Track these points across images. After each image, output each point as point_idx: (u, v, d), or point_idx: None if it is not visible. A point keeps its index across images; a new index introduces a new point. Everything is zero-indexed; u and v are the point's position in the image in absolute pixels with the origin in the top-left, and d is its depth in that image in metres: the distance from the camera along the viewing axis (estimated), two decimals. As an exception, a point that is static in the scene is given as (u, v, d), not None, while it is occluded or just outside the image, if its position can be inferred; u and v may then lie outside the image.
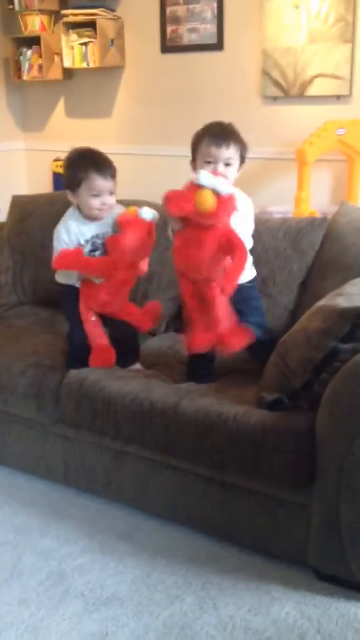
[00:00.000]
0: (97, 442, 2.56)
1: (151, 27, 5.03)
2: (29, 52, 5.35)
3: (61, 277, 2.72)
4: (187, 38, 4.93)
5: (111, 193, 2.60)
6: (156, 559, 2.36)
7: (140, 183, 4.67)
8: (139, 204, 3.15)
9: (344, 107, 4.44)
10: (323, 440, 2.08)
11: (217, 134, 2.47)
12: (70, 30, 5.14)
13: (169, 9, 4.93)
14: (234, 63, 4.78)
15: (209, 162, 2.47)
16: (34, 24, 5.28)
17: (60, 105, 5.66)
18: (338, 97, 4.46)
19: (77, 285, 2.65)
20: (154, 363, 2.74)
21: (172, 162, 4.83)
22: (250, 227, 2.56)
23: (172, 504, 2.48)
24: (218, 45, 4.82)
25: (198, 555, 2.37)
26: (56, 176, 5.62)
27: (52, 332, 3.02)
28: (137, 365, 2.73)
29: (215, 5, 4.74)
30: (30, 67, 5.38)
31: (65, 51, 5.19)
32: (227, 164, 2.46)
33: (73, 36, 5.14)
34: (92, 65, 5.11)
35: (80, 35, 5.11)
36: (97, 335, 2.65)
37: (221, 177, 2.33)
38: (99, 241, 2.63)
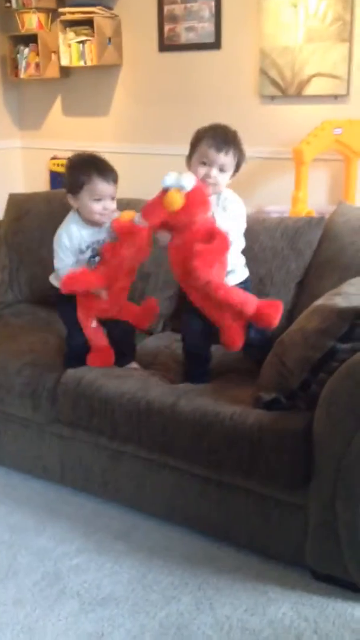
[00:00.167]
0: (94, 442, 2.55)
1: (149, 25, 5.02)
2: (26, 50, 5.33)
3: (57, 281, 2.70)
4: (185, 37, 4.91)
5: (113, 198, 2.59)
6: (153, 559, 2.35)
7: (138, 182, 4.65)
8: (134, 203, 3.16)
9: (341, 107, 4.43)
10: (320, 440, 2.07)
11: (219, 138, 2.45)
12: (68, 29, 5.12)
13: (166, 8, 4.91)
14: (232, 62, 4.77)
15: (204, 164, 2.46)
16: (31, 22, 5.26)
17: (58, 103, 5.64)
18: (335, 96, 4.45)
19: None
20: (151, 362, 2.74)
21: (169, 161, 4.78)
22: (242, 226, 2.54)
23: (169, 503, 2.47)
24: (216, 44, 4.81)
25: (195, 555, 2.37)
26: (53, 174, 5.61)
27: (48, 331, 3.01)
28: (134, 364, 2.72)
29: (213, 4, 4.73)
30: (27, 65, 5.36)
31: (63, 49, 5.17)
32: (221, 170, 2.46)
33: (70, 34, 5.12)
34: (89, 63, 5.10)
35: (77, 34, 5.09)
36: (98, 338, 2.65)
37: (185, 174, 2.32)
38: (98, 247, 2.62)
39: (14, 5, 5.26)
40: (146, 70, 5.15)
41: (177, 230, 2.39)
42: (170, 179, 2.30)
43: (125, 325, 2.70)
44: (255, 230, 2.84)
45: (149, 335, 2.99)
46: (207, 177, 2.45)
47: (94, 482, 2.62)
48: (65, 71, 5.40)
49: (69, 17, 5.08)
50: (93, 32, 4.98)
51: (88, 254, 2.62)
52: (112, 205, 2.59)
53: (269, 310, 2.43)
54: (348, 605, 2.13)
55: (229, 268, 2.51)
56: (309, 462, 2.10)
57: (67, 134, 5.62)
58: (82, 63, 5.14)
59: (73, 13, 5.05)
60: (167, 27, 4.96)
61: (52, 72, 5.35)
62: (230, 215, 2.46)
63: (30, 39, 5.29)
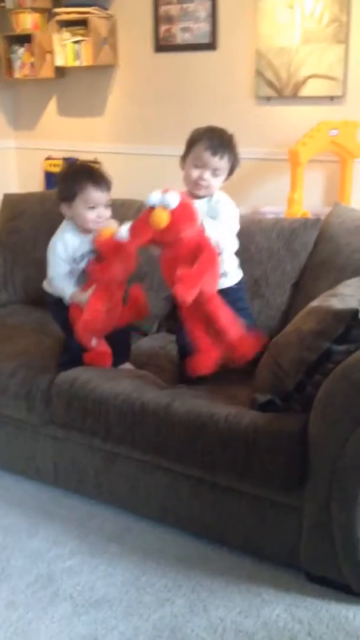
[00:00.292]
0: (88, 443, 2.54)
1: (144, 26, 5.00)
2: (21, 50, 5.31)
3: (50, 288, 2.70)
4: (181, 37, 4.90)
5: (107, 206, 2.59)
6: (146, 561, 2.34)
7: (132, 182, 4.65)
8: (128, 203, 3.16)
9: (337, 108, 4.43)
10: (315, 441, 2.06)
11: (215, 142, 2.45)
12: (63, 29, 5.10)
13: (162, 8, 4.90)
14: (228, 63, 4.76)
15: (198, 166, 2.46)
16: (26, 22, 5.24)
17: (52, 103, 5.63)
18: (331, 97, 4.44)
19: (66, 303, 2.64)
20: (145, 363, 2.73)
21: (164, 161, 4.80)
22: (234, 229, 2.53)
23: (163, 505, 2.46)
24: (211, 45, 4.79)
25: (188, 557, 2.35)
26: (48, 175, 5.59)
27: (43, 332, 3.00)
28: (128, 365, 2.71)
29: (208, 4, 4.72)
30: (22, 65, 5.34)
31: (58, 49, 5.15)
32: (215, 174, 2.45)
33: (65, 34, 5.10)
34: (84, 63, 5.08)
35: (72, 34, 5.08)
36: (99, 346, 2.65)
37: (170, 192, 2.29)
38: (92, 257, 2.62)
39: (8, 5, 5.25)
40: (142, 70, 5.13)
41: (165, 245, 2.39)
42: (154, 198, 2.28)
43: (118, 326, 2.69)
44: (251, 231, 2.84)
45: (143, 336, 2.98)
46: (200, 180, 2.45)
47: (87, 483, 2.61)
48: (60, 71, 5.38)
49: (64, 17, 5.06)
50: (88, 32, 4.96)
51: (83, 264, 2.62)
52: (107, 212, 2.59)
53: (244, 347, 2.42)
54: (342, 607, 2.12)
55: (221, 271, 2.51)
56: (304, 463, 2.09)
57: (62, 135, 5.60)
58: (77, 63, 5.12)
59: (68, 13, 5.04)
60: (162, 28, 4.95)
61: (47, 72, 5.33)
62: (222, 219, 2.46)
63: (25, 39, 5.27)
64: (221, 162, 2.44)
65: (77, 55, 5.09)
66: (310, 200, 4.40)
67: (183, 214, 2.29)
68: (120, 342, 2.71)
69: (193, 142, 2.50)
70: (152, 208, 2.28)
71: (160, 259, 2.45)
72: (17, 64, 5.35)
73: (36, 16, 5.23)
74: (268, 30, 4.52)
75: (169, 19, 4.90)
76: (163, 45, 4.99)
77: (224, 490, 2.30)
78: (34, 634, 2.05)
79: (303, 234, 2.83)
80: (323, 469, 2.05)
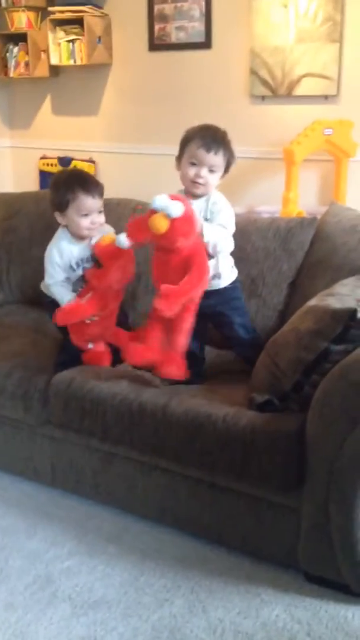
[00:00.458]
0: (85, 444, 2.54)
1: (139, 24, 5.00)
2: (16, 49, 5.30)
3: (48, 290, 2.70)
4: (175, 36, 4.90)
5: (100, 212, 2.59)
6: (145, 562, 2.34)
7: (127, 182, 4.66)
8: (124, 203, 3.16)
9: (331, 107, 4.43)
10: (313, 442, 2.06)
11: (209, 138, 2.45)
12: (57, 27, 5.09)
13: (156, 7, 4.89)
14: (222, 62, 4.76)
15: (194, 164, 2.45)
16: (21, 20, 5.22)
17: (47, 102, 5.61)
18: (326, 97, 4.45)
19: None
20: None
21: (159, 160, 4.80)
22: (231, 231, 2.53)
23: (161, 505, 2.46)
24: (206, 44, 4.79)
25: (187, 557, 2.35)
26: (42, 174, 5.58)
27: (39, 332, 2.99)
28: (125, 365, 2.70)
29: (203, 3, 4.72)
30: (17, 64, 5.32)
31: (52, 48, 5.14)
32: (211, 170, 2.45)
33: (60, 33, 5.09)
34: (79, 62, 5.07)
35: (67, 33, 5.07)
36: (97, 347, 2.65)
37: (176, 200, 2.29)
38: (89, 265, 2.62)
39: (3, 3, 5.24)
40: (136, 69, 5.13)
41: (160, 247, 2.39)
42: (159, 203, 2.27)
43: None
44: (247, 231, 2.84)
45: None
46: (197, 177, 2.45)
47: (85, 484, 2.61)
48: (55, 70, 5.37)
49: (58, 16, 5.05)
50: (83, 31, 4.95)
51: (79, 271, 2.62)
52: (100, 218, 2.60)
53: (174, 370, 2.46)
54: (341, 607, 2.13)
55: (214, 272, 2.54)
56: (302, 464, 2.10)
57: (56, 134, 5.59)
58: (71, 62, 5.11)
59: (63, 12, 5.03)
60: (157, 27, 4.94)
61: (42, 71, 5.32)
62: (220, 221, 2.47)
63: (19, 38, 5.25)
64: (216, 158, 2.44)
65: (71, 54, 5.08)
66: (305, 200, 4.40)
67: (183, 225, 2.30)
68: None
69: (187, 141, 2.50)
70: (154, 210, 2.28)
71: (152, 256, 2.46)
72: (11, 63, 5.34)
73: (30, 15, 5.22)
74: (262, 29, 4.51)
75: (164, 18, 4.89)
76: (157, 44, 4.98)
77: (222, 491, 2.30)
78: (33, 635, 2.04)
79: (299, 234, 2.83)
80: (321, 469, 2.05)
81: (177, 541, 2.43)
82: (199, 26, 4.79)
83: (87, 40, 4.96)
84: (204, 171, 2.44)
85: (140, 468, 2.45)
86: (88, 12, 4.94)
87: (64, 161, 5.41)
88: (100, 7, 5.05)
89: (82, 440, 2.53)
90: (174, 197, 2.31)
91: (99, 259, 2.54)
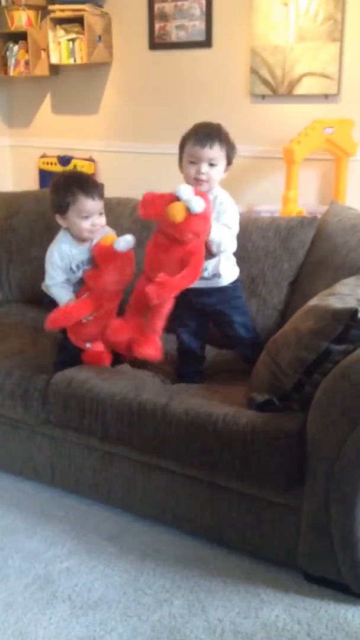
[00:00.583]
0: (85, 443, 2.53)
1: (139, 23, 4.99)
2: (16, 48, 5.29)
3: (48, 290, 2.70)
4: (175, 35, 4.89)
5: (100, 213, 2.58)
6: (144, 562, 2.33)
7: (127, 180, 4.65)
8: (124, 202, 3.15)
9: (332, 106, 4.43)
10: (314, 441, 2.06)
11: (202, 134, 2.46)
12: (58, 26, 5.08)
13: (157, 6, 4.89)
14: (223, 61, 4.75)
15: (193, 162, 2.46)
16: (21, 19, 5.22)
17: (47, 101, 5.61)
18: (326, 96, 4.44)
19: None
20: (142, 363, 2.71)
21: (159, 159, 4.80)
22: (235, 231, 2.54)
23: (161, 505, 2.45)
24: (206, 43, 4.78)
25: (186, 557, 2.35)
26: (42, 173, 5.57)
27: (39, 332, 2.98)
28: (124, 365, 2.70)
29: (203, 2, 4.71)
30: (17, 62, 5.32)
31: (52, 47, 5.13)
32: (211, 164, 2.45)
33: (60, 32, 5.09)
34: (79, 61, 5.07)
35: (67, 31, 5.06)
36: (95, 346, 2.65)
37: (199, 197, 2.31)
38: (89, 267, 2.62)
39: (3, 2, 5.24)
40: (136, 68, 5.12)
41: (164, 233, 2.40)
42: (185, 193, 2.30)
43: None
44: (248, 230, 2.83)
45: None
46: (198, 174, 2.45)
47: (84, 483, 2.60)
48: (55, 69, 5.36)
49: (58, 14, 5.04)
50: (83, 29, 4.95)
51: (80, 274, 2.61)
52: (101, 220, 2.59)
53: (145, 347, 2.50)
54: (341, 607, 2.12)
55: (215, 270, 2.54)
56: (302, 463, 2.09)
57: (56, 132, 5.58)
58: (71, 61, 5.11)
59: (63, 10, 5.02)
60: (157, 25, 4.94)
61: (42, 69, 5.31)
62: (227, 221, 2.48)
63: (19, 36, 5.25)
64: (212, 152, 2.44)
65: (71, 53, 5.08)
66: (305, 199, 4.40)
67: (198, 223, 2.32)
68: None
69: (183, 142, 2.53)
70: (176, 198, 2.30)
71: (152, 236, 2.48)
72: (11, 61, 5.33)
73: (31, 13, 5.21)
74: (263, 28, 4.51)
75: (164, 17, 4.89)
76: (158, 43, 4.98)
77: (222, 491, 2.30)
78: (32, 635, 2.04)
79: (300, 233, 2.82)
80: (321, 469, 2.04)
81: (177, 541, 2.42)
82: (199, 25, 4.79)
83: (87, 39, 4.95)
84: (204, 167, 2.44)
85: (140, 468, 2.45)
86: (88, 11, 4.93)
87: (64, 160, 5.40)
88: (100, 6, 5.04)
89: (82, 439, 2.53)
90: (198, 193, 2.32)
91: (95, 260, 2.54)
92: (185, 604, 2.15)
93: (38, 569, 2.31)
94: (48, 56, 5.21)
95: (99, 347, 2.63)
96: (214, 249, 2.45)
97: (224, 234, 2.44)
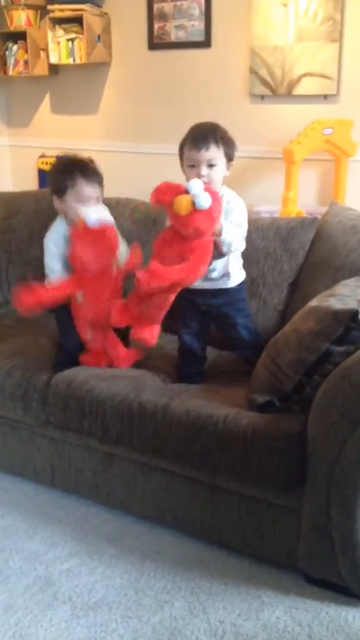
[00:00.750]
0: (85, 444, 2.53)
1: (138, 23, 4.98)
2: (15, 48, 5.28)
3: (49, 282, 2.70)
4: (175, 35, 4.89)
5: (98, 201, 2.58)
6: (145, 563, 2.33)
7: (126, 181, 4.64)
8: (123, 202, 3.15)
9: (331, 107, 4.42)
10: (314, 443, 2.06)
11: (196, 137, 2.48)
12: (57, 26, 5.07)
13: (156, 6, 4.88)
14: (222, 61, 4.75)
15: (193, 166, 2.47)
16: (20, 19, 5.21)
17: (46, 101, 5.60)
18: (325, 96, 4.44)
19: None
20: (143, 363, 2.71)
21: (158, 159, 4.79)
22: (245, 229, 2.55)
23: (161, 506, 2.45)
24: (205, 43, 4.78)
25: (187, 559, 2.35)
26: (41, 173, 5.56)
27: (39, 332, 2.98)
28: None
29: (202, 2, 4.70)
30: (16, 62, 5.31)
31: (52, 47, 5.12)
32: (210, 165, 2.45)
33: (59, 32, 5.08)
34: (78, 61, 5.06)
35: (66, 31, 5.05)
36: (94, 342, 2.64)
37: (207, 194, 2.31)
38: None
39: (2, 2, 5.23)
40: (135, 68, 5.11)
41: (174, 229, 2.41)
42: (193, 187, 2.30)
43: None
44: (248, 231, 2.81)
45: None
46: (199, 177, 2.45)
47: (84, 485, 2.60)
48: (54, 69, 5.36)
49: (58, 14, 5.03)
50: (82, 29, 4.94)
51: None
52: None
53: (143, 334, 2.51)
54: (342, 609, 2.12)
55: (224, 271, 2.55)
56: (303, 465, 2.09)
57: (55, 132, 5.58)
58: (71, 61, 5.10)
59: (62, 10, 5.01)
60: (156, 25, 4.93)
61: (41, 69, 5.30)
62: (237, 221, 2.50)
63: (19, 36, 5.24)
64: (209, 153, 2.45)
65: (70, 53, 5.07)
66: (304, 199, 4.40)
67: (202, 220, 2.33)
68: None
69: (181, 148, 2.55)
70: (187, 191, 2.31)
71: (163, 230, 2.50)
72: (11, 61, 5.32)
73: (30, 13, 5.21)
74: (262, 28, 4.50)
75: (163, 17, 4.88)
76: (157, 43, 4.97)
77: (223, 492, 2.29)
78: (33, 637, 2.03)
79: (300, 234, 2.82)
80: (322, 470, 2.04)
81: (178, 542, 2.42)
82: (198, 25, 4.78)
83: (87, 39, 4.94)
84: (204, 169, 2.45)
85: (140, 469, 2.45)
86: (87, 11, 4.93)
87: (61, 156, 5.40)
88: (99, 6, 5.04)
89: (82, 440, 2.53)
90: (208, 190, 2.33)
91: (71, 238, 2.55)
92: (186, 605, 2.15)
93: (38, 570, 2.31)
94: (47, 56, 5.20)
95: (97, 346, 2.62)
96: (225, 249, 2.46)
97: (235, 234, 2.46)
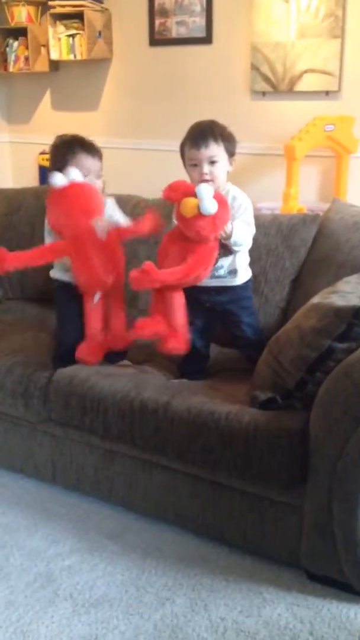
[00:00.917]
0: (86, 441, 2.53)
1: (139, 19, 4.97)
2: (15, 44, 5.27)
3: (56, 273, 2.69)
4: (176, 31, 4.87)
5: (98, 176, 2.58)
6: (146, 560, 2.33)
7: (127, 177, 4.63)
8: (124, 199, 3.14)
9: (332, 103, 4.41)
10: (316, 440, 2.05)
11: (195, 136, 2.48)
12: (57, 22, 5.07)
13: (157, 2, 4.87)
14: (223, 57, 4.74)
15: (195, 165, 2.47)
16: (21, 15, 5.20)
17: (47, 97, 5.59)
18: (327, 92, 4.43)
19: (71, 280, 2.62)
20: (144, 360, 2.71)
21: (159, 156, 4.80)
22: (253, 226, 2.55)
23: (162, 503, 2.45)
24: (207, 39, 4.77)
25: (188, 555, 2.35)
26: (42, 169, 5.56)
27: (40, 329, 2.98)
28: (126, 362, 2.70)
29: (204, -2, 4.70)
30: (17, 58, 5.30)
31: (52, 43, 5.12)
32: (211, 162, 2.46)
33: (60, 28, 5.07)
34: (79, 57, 5.05)
35: (67, 27, 5.04)
36: (93, 320, 2.60)
37: (214, 201, 2.30)
38: None
39: (2, -2, 5.22)
40: (136, 64, 5.10)
41: (179, 229, 2.42)
42: (201, 191, 2.29)
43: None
44: (249, 228, 2.82)
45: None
46: (202, 176, 2.47)
47: (86, 481, 2.60)
48: (55, 65, 5.35)
49: (58, 10, 5.02)
50: (83, 25, 4.93)
51: None
52: (99, 182, 2.59)
53: (170, 342, 2.48)
54: (343, 606, 2.12)
55: (230, 268, 2.55)
56: (305, 462, 2.09)
57: (56, 129, 5.49)
58: (71, 57, 5.09)
59: (63, 6, 5.00)
60: (157, 21, 4.92)
61: (42, 65, 5.30)
62: (244, 218, 2.51)
63: (19, 32, 5.23)
64: (209, 150, 2.45)
65: (71, 49, 5.06)
66: (305, 196, 4.39)
67: (205, 225, 2.33)
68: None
69: (182, 147, 2.55)
70: (194, 194, 2.31)
71: (170, 231, 2.51)
72: (11, 57, 5.32)
73: (30, 9, 5.20)
74: (264, 24, 4.49)
75: (164, 13, 4.87)
76: (158, 39, 4.96)
77: (224, 489, 2.29)
78: (34, 634, 2.03)
79: (302, 230, 2.81)
80: (324, 467, 2.04)
81: (179, 539, 2.42)
82: (199, 21, 4.77)
83: (87, 35, 4.94)
84: (206, 167, 2.45)
85: (141, 466, 2.44)
86: (88, 7, 4.92)
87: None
88: (100, 2, 5.03)
89: (83, 437, 2.52)
90: (217, 197, 2.32)
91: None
92: (188, 602, 2.15)
93: (40, 567, 2.30)
94: (48, 52, 5.19)
95: (97, 324, 2.60)
96: (235, 249, 2.48)
97: (245, 233, 2.47)
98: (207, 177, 2.44)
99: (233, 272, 2.55)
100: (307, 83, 4.46)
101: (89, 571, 2.28)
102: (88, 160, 2.55)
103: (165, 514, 2.46)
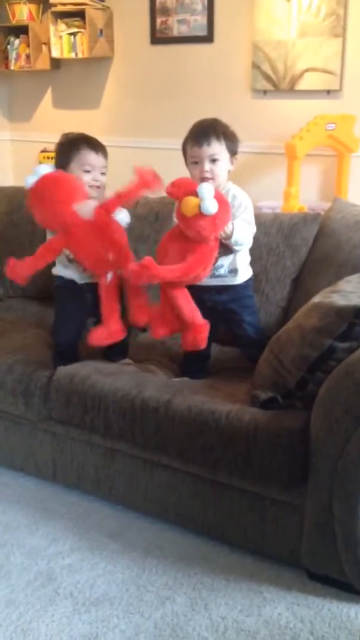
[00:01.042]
0: (87, 440, 2.53)
1: (140, 17, 4.97)
2: (17, 42, 5.27)
3: (58, 270, 2.68)
4: (177, 29, 4.87)
5: (103, 173, 2.59)
6: (146, 559, 2.33)
7: (128, 176, 4.63)
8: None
9: (334, 102, 4.41)
10: (317, 439, 2.05)
11: (196, 134, 2.49)
12: (59, 20, 5.06)
13: (158, 0, 4.87)
14: (224, 56, 4.74)
15: (196, 163, 2.48)
16: (22, 13, 5.20)
17: (48, 95, 5.59)
18: (328, 91, 4.43)
19: (77, 279, 2.62)
20: (145, 359, 2.71)
21: (160, 154, 4.76)
22: (254, 225, 2.55)
23: (163, 502, 2.45)
24: (208, 38, 4.77)
25: (189, 555, 2.35)
26: (43, 168, 5.55)
27: (40, 327, 2.98)
28: (127, 360, 2.70)
29: (205, -4, 4.70)
30: (18, 56, 5.30)
31: (54, 41, 5.11)
32: (213, 160, 2.46)
33: (61, 26, 5.06)
34: (80, 55, 5.05)
35: (68, 25, 5.04)
36: (109, 299, 2.55)
37: (215, 201, 2.29)
38: None
39: (4, -5, 5.22)
40: (137, 63, 5.10)
41: (180, 229, 2.42)
42: (202, 191, 2.29)
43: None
44: (251, 227, 2.82)
45: (142, 332, 2.96)
46: (203, 173, 2.47)
47: (86, 480, 2.60)
48: (56, 63, 5.34)
49: (60, 8, 5.02)
50: (84, 23, 4.93)
51: None
52: (102, 178, 2.61)
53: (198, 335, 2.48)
54: (344, 606, 2.12)
55: (231, 267, 2.54)
56: (306, 461, 2.09)
57: (57, 127, 5.51)
58: (73, 55, 5.09)
59: (64, 4, 5.00)
60: (159, 20, 4.92)
61: (43, 63, 5.29)
62: (244, 217, 2.50)
63: (21, 30, 5.23)
64: (211, 148, 2.45)
65: (72, 47, 5.06)
66: (306, 195, 4.39)
67: (205, 225, 2.32)
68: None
69: (184, 146, 2.55)
70: (195, 193, 2.31)
71: (170, 230, 2.51)
72: (12, 55, 5.31)
73: (32, 7, 5.20)
74: (265, 23, 4.49)
75: (165, 11, 4.87)
76: (159, 38, 4.96)
77: (225, 488, 2.29)
78: (35, 632, 2.03)
79: (303, 229, 2.81)
80: (325, 467, 2.04)
81: (179, 538, 2.42)
82: (201, 19, 4.77)
83: (89, 33, 4.93)
84: (207, 165, 2.46)
85: (142, 464, 2.44)
86: (90, 5, 4.91)
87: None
88: (102, 0, 5.02)
89: (84, 436, 2.52)
90: (218, 198, 2.32)
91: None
92: (188, 601, 2.15)
93: (40, 565, 2.30)
94: (49, 50, 5.19)
95: (115, 303, 2.56)
96: (237, 248, 2.48)
97: (245, 232, 2.47)
98: (208, 175, 2.44)
99: (233, 271, 2.55)
100: (308, 82, 4.46)
101: (89, 570, 2.28)
102: (92, 156, 2.56)
103: (166, 513, 2.46)
